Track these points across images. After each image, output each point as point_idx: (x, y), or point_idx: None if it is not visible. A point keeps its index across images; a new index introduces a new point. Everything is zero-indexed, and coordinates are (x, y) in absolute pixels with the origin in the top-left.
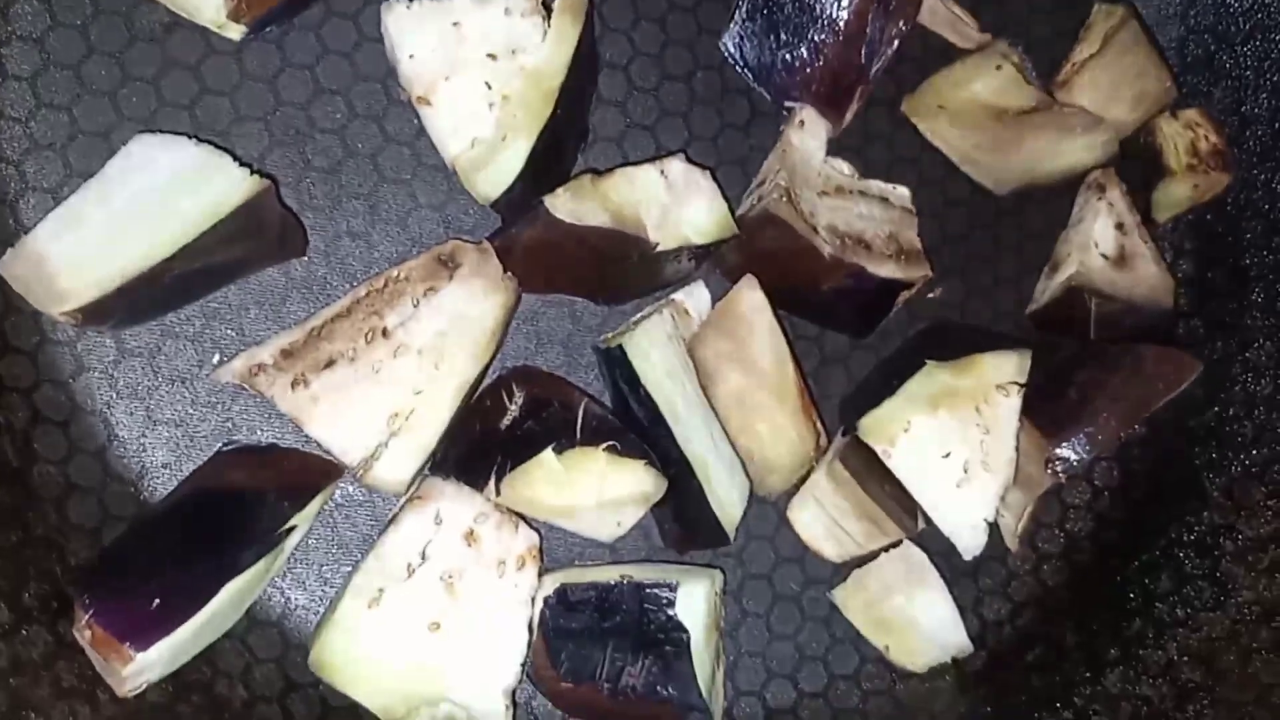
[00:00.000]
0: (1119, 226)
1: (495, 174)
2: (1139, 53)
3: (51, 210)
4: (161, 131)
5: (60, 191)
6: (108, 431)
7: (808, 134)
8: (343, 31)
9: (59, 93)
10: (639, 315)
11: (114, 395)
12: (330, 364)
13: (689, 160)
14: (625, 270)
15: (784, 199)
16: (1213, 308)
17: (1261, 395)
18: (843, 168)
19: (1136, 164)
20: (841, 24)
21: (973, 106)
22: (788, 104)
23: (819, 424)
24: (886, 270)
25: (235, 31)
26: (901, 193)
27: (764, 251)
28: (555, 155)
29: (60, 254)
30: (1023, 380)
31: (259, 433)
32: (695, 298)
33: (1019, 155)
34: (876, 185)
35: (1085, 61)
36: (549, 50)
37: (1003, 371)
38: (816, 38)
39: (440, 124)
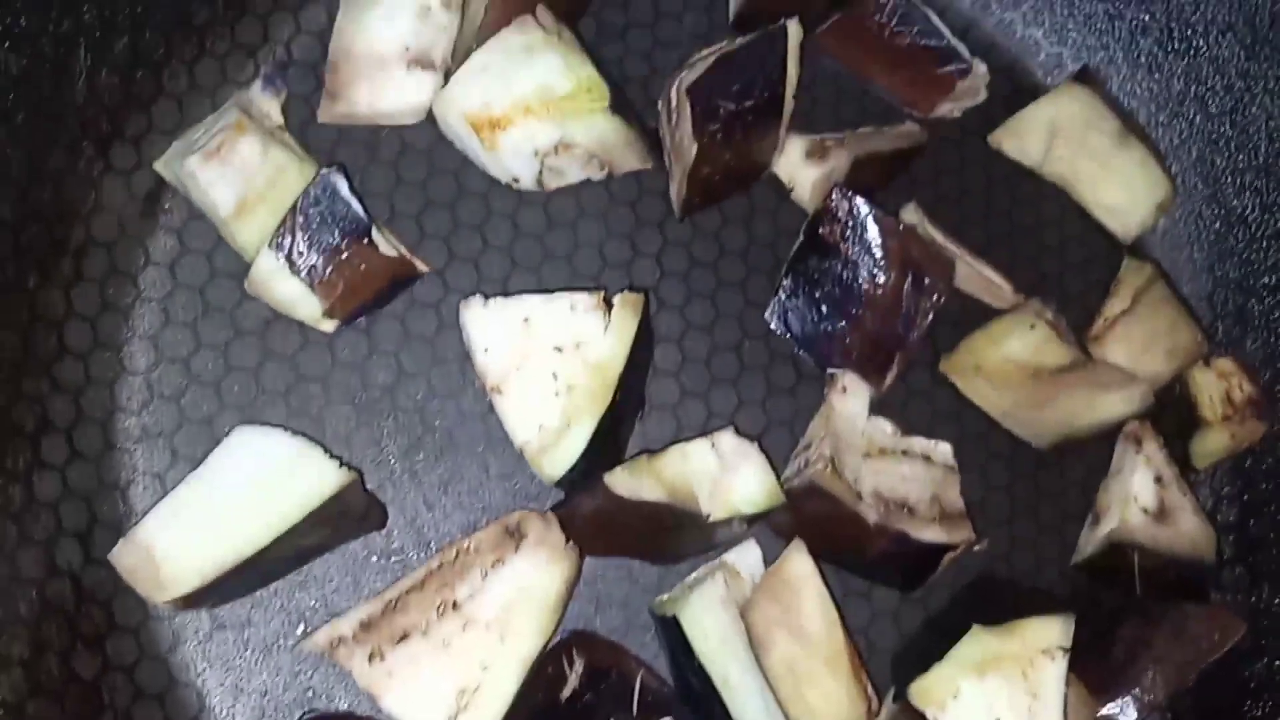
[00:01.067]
0: (1158, 480)
1: (560, 457)
2: (1169, 308)
3: (158, 496)
4: (259, 422)
5: (167, 477)
6: (200, 702)
7: (850, 398)
8: (425, 319)
9: (169, 385)
10: (694, 575)
11: (207, 666)
12: (405, 637)
13: (738, 432)
14: (680, 537)
15: (828, 468)
16: (1256, 557)
17: None
18: (885, 427)
19: (1174, 411)
20: (878, 300)
21: (1009, 366)
22: (831, 369)
23: (869, 689)
24: (930, 534)
25: (329, 325)
26: (944, 450)
27: (811, 517)
28: (614, 432)
29: (165, 545)
30: (1067, 645)
31: (337, 700)
32: (747, 558)
33: (1056, 411)
34: (919, 443)
35: (1118, 317)
36: (610, 343)
37: (1048, 636)
38: (855, 311)
39: (511, 412)
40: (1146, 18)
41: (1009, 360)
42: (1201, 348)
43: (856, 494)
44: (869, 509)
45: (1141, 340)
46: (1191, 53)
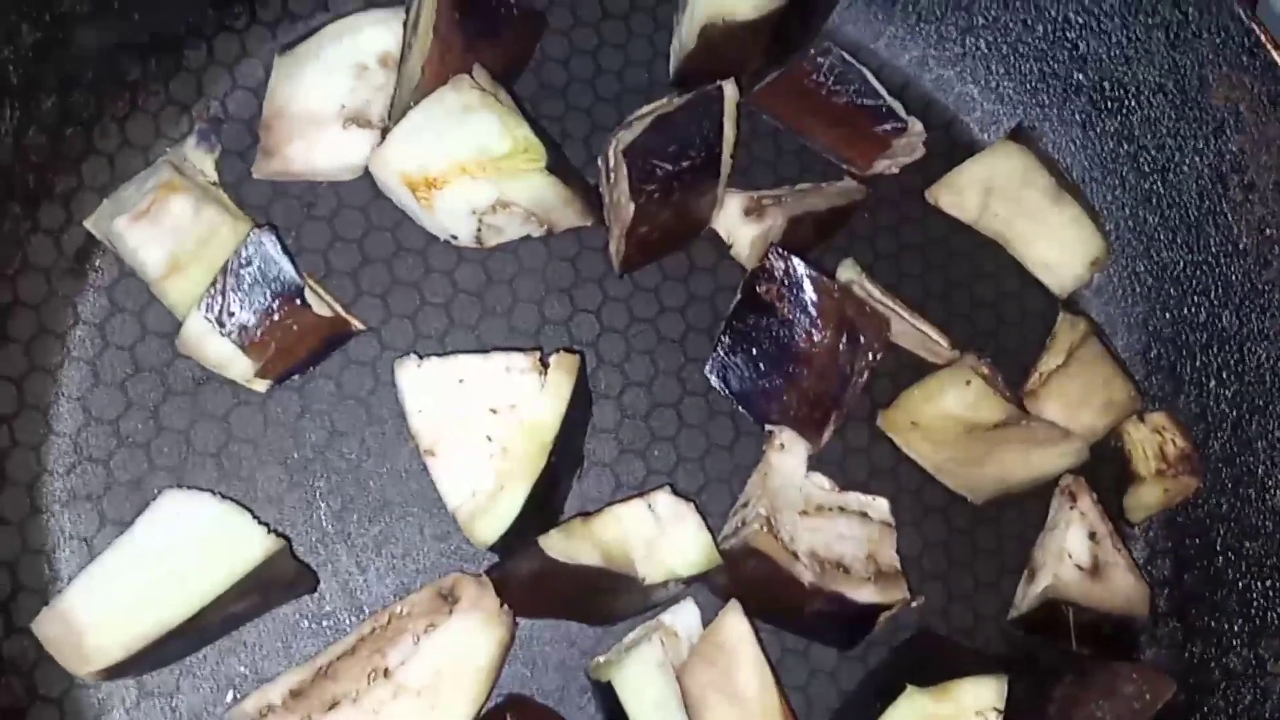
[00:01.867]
0: (1092, 536)
1: (493, 521)
2: (1104, 363)
3: (84, 561)
4: (189, 484)
5: (94, 541)
6: None
7: (788, 454)
8: (360, 377)
9: (97, 446)
10: (630, 636)
11: None
12: (335, 705)
13: (674, 492)
14: (617, 599)
15: (764, 529)
16: (1190, 611)
17: (1243, 704)
18: (823, 483)
19: (1109, 465)
20: (815, 358)
21: (945, 421)
22: (768, 426)
23: None
24: (865, 595)
25: (261, 385)
26: (880, 505)
27: (748, 578)
28: (549, 493)
29: (89, 615)
30: (1000, 705)
31: None
32: (685, 619)
33: (992, 466)
34: (855, 499)
35: (1052, 372)
36: (545, 404)
37: (982, 698)
38: (792, 368)
39: (444, 476)
40: (1080, 77)
41: (945, 416)
42: (1135, 403)
43: (792, 554)
44: (804, 570)
45: (1076, 395)
46: (1124, 112)
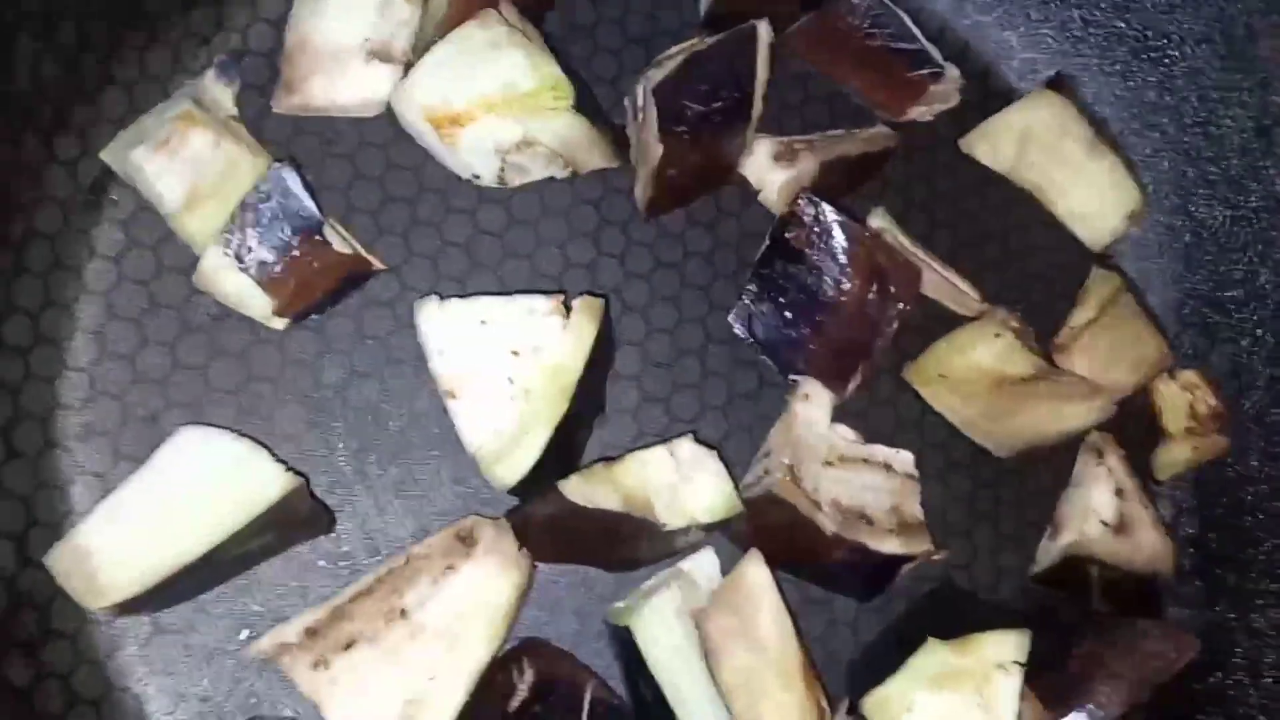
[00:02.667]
0: (1118, 493)
1: (514, 464)
2: (1135, 319)
3: (99, 496)
4: (206, 422)
5: (108, 477)
6: (139, 709)
7: (812, 405)
8: (379, 317)
9: (112, 381)
10: (649, 583)
11: (147, 672)
12: (351, 644)
13: (697, 440)
14: (636, 545)
15: (787, 478)
16: (1215, 571)
17: (1265, 663)
18: (847, 434)
19: (1137, 422)
20: (843, 307)
21: (973, 374)
22: (793, 376)
23: (823, 702)
24: (888, 546)
25: (280, 323)
26: (905, 458)
27: (769, 526)
28: (570, 438)
29: (103, 550)
30: (1023, 660)
31: (281, 707)
32: (704, 566)
33: (1019, 420)
34: (881, 451)
35: (1084, 327)
36: (568, 349)
37: (1003, 651)
38: (819, 317)
39: (465, 417)
40: (1122, 25)
41: (973, 368)
42: (1166, 360)
43: (815, 504)
44: (827, 519)
45: (1107, 351)
46: (1166, 62)
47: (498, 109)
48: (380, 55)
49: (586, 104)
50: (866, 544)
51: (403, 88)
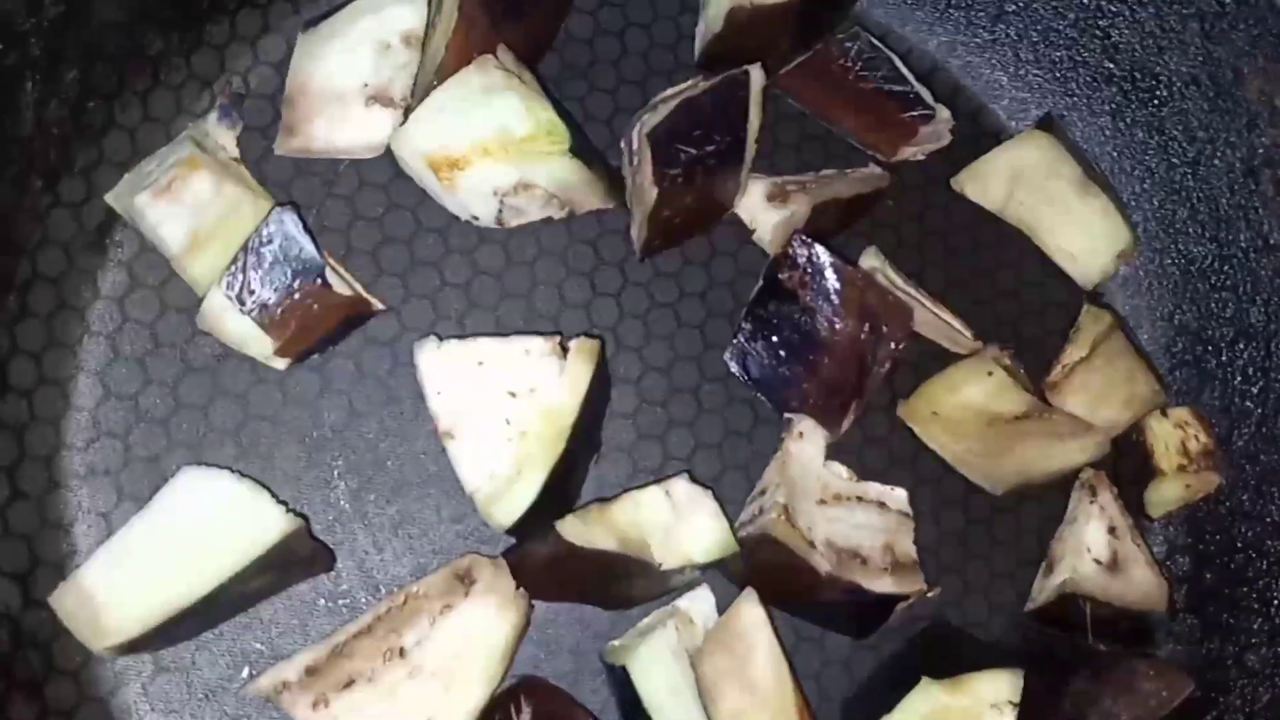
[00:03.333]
0: (1111, 530)
1: (510, 505)
2: (1127, 356)
3: (102, 535)
4: (207, 461)
5: (112, 516)
6: None
7: (807, 443)
8: (379, 357)
9: (116, 421)
10: (645, 621)
11: (149, 710)
12: (350, 684)
13: (692, 479)
14: (632, 584)
15: (781, 517)
16: (1209, 608)
17: (1260, 702)
18: (841, 472)
19: (1130, 459)
20: (836, 346)
21: (966, 413)
22: (787, 414)
23: None
24: (881, 586)
25: (281, 363)
26: (899, 495)
27: (764, 566)
28: (567, 477)
29: (106, 590)
30: (1016, 699)
31: None
32: (701, 605)
33: (1012, 458)
34: (874, 489)
35: (1076, 365)
36: (564, 390)
37: (997, 691)
38: (812, 356)
39: (462, 458)
40: (1111, 66)
41: (966, 407)
42: (1159, 397)
43: (809, 543)
44: (821, 559)
45: (1099, 389)
46: (1155, 103)
47: (494, 153)
48: (380, 99)
49: (582, 146)
50: (860, 583)
51: (402, 133)
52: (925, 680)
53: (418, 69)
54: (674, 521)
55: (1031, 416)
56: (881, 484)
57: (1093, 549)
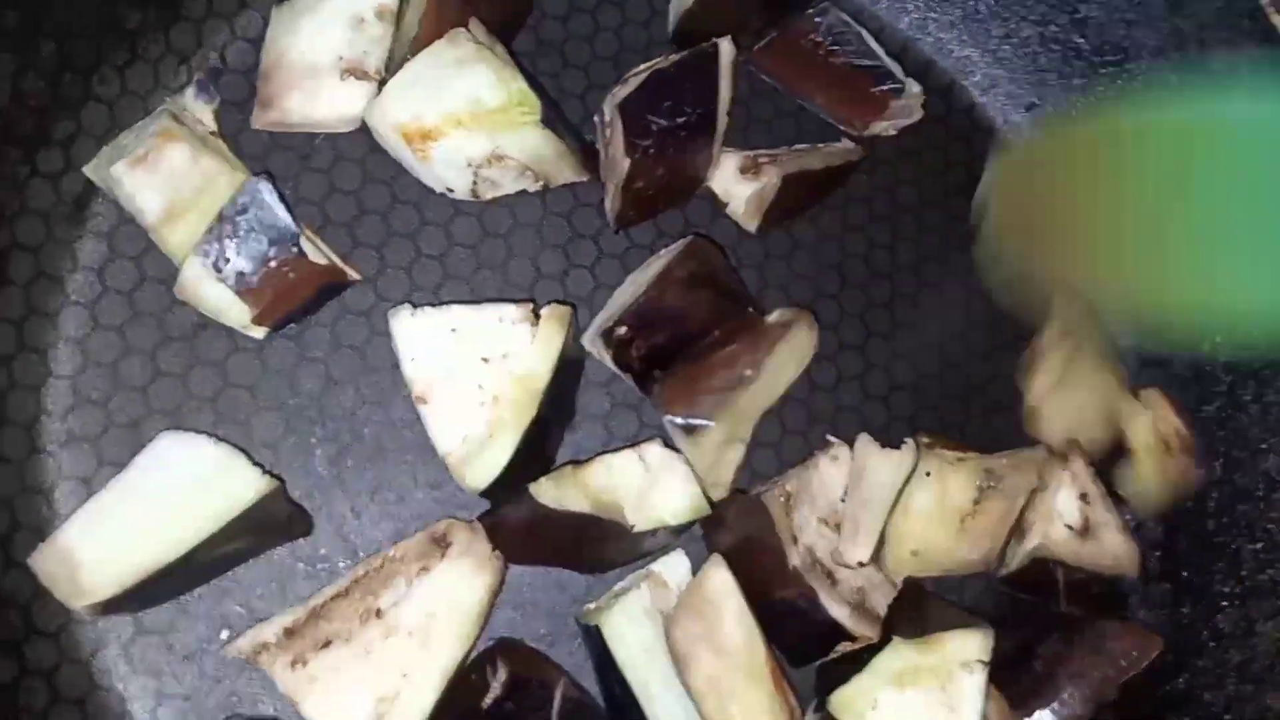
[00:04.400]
0: (1083, 497)
1: (483, 468)
2: (1099, 373)
3: (82, 500)
4: (185, 428)
5: (92, 481)
6: (121, 706)
7: (837, 467)
8: (355, 327)
9: (95, 389)
10: (620, 584)
11: (129, 671)
12: (327, 644)
13: (665, 444)
14: (606, 546)
15: (782, 498)
16: (1181, 573)
17: (1231, 664)
18: None
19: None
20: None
21: (934, 526)
22: (828, 436)
23: (791, 700)
24: (838, 612)
25: (258, 332)
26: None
27: (741, 537)
28: (541, 442)
29: (85, 550)
30: (986, 658)
31: (260, 705)
32: (675, 569)
33: (995, 532)
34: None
35: (1050, 392)
36: (536, 355)
37: (967, 650)
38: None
39: (435, 422)
40: (1081, 41)
41: (930, 519)
42: (1132, 405)
43: (793, 536)
44: (795, 554)
45: (1076, 413)
46: (1124, 77)
47: (467, 124)
48: (354, 72)
49: (555, 118)
50: (820, 596)
51: (376, 105)
52: (896, 640)
53: (392, 42)
54: (647, 485)
55: (990, 485)
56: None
57: (1065, 515)
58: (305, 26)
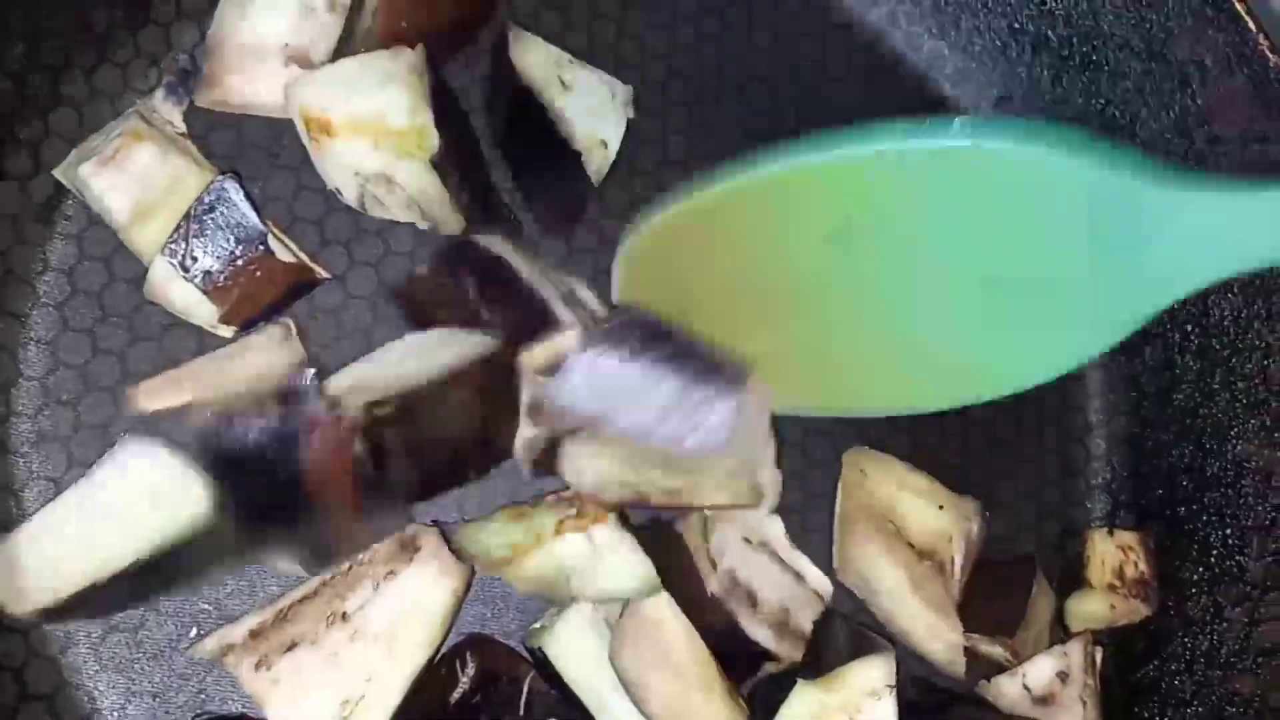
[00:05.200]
0: (1061, 675)
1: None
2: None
3: (49, 500)
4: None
5: (61, 481)
6: (90, 703)
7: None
8: (325, 325)
9: (65, 390)
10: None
11: (99, 669)
12: (293, 647)
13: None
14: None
15: (699, 522)
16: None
17: (1200, 651)
18: (779, 530)
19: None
20: None
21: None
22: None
23: (745, 708)
24: (760, 635)
25: (226, 330)
26: (822, 582)
27: (661, 566)
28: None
29: (29, 557)
30: (891, 682)
31: (229, 703)
32: None
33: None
34: (803, 561)
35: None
36: None
37: (871, 679)
38: None
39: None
40: (1049, 32)
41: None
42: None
43: (712, 561)
44: (714, 581)
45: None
46: (1092, 67)
47: (364, 134)
48: (298, 60)
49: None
50: (740, 621)
51: (294, 81)
52: (800, 683)
53: (339, 36)
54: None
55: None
56: (811, 563)
57: (1030, 680)
58: (254, 9)
